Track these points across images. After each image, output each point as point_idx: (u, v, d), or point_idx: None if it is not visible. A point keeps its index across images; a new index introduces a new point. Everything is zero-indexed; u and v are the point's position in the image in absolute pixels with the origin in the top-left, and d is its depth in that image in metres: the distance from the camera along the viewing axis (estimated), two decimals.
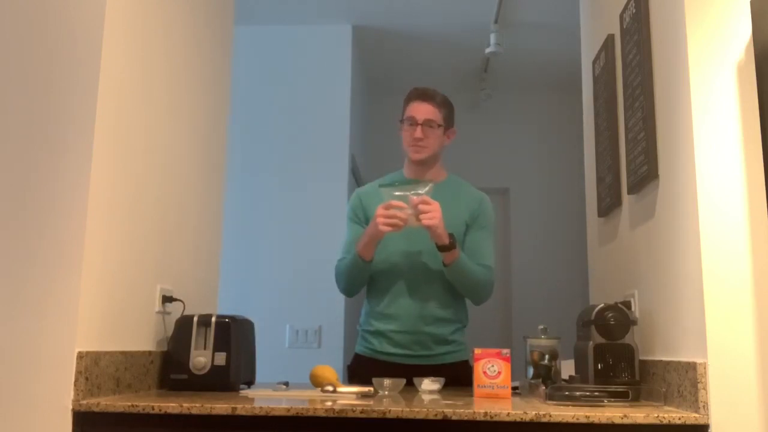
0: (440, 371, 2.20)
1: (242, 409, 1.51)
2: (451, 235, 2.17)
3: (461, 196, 2.40)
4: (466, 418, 1.48)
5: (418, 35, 4.29)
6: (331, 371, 2.03)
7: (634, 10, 1.99)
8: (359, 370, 2.37)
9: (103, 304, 1.69)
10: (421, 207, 2.10)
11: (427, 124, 2.35)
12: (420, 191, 2.13)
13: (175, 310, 2.06)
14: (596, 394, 1.68)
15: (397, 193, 2.15)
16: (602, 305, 1.85)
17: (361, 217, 2.41)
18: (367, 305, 2.42)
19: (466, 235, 2.34)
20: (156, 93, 1.99)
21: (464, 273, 2.24)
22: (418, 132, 2.33)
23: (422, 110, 2.36)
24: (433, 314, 2.30)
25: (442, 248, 2.17)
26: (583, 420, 1.46)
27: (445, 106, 2.41)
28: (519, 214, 5.10)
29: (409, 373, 2.16)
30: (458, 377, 2.22)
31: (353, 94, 4.23)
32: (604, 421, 1.46)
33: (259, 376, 2.18)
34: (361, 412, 1.50)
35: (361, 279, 2.35)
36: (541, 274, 4.97)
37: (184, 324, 1.94)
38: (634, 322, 1.84)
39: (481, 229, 2.35)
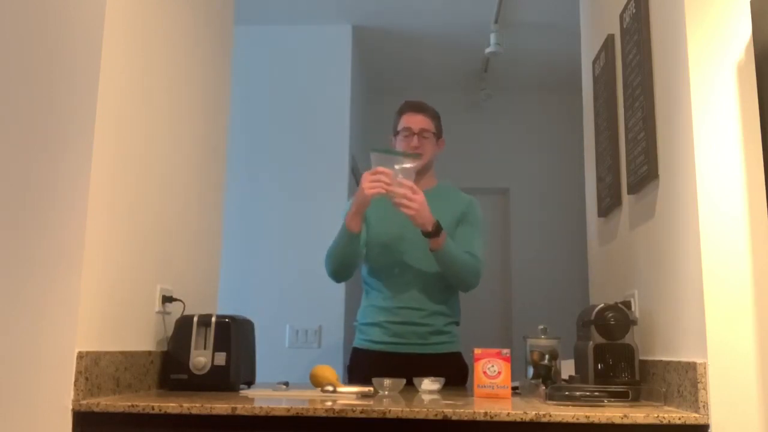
0: (434, 360, 2.36)
1: (242, 409, 1.51)
2: (436, 223, 2.23)
3: (451, 201, 2.49)
4: (466, 418, 1.48)
5: (418, 35, 4.28)
6: (331, 371, 2.03)
7: (634, 10, 1.99)
8: (358, 362, 2.46)
9: (103, 304, 1.69)
10: (405, 193, 2.17)
11: (422, 133, 2.47)
12: (407, 164, 2.22)
13: (175, 310, 2.06)
14: (596, 394, 1.68)
15: (385, 156, 2.23)
16: (602, 305, 1.85)
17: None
18: (364, 300, 2.51)
19: (454, 233, 2.42)
20: (156, 93, 1.99)
21: (450, 259, 2.31)
22: (415, 141, 2.46)
23: (417, 121, 2.49)
24: (427, 308, 2.39)
25: (426, 234, 2.25)
26: (583, 420, 1.46)
27: (436, 118, 2.55)
28: (519, 214, 5.10)
29: (404, 361, 2.33)
30: (450, 367, 2.35)
31: (353, 94, 4.22)
32: (604, 421, 1.46)
33: (259, 376, 2.19)
34: (361, 412, 1.50)
35: (349, 256, 2.35)
36: (541, 274, 4.97)
37: (184, 324, 1.94)
38: (634, 322, 1.84)
39: (470, 225, 2.43)
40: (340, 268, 2.39)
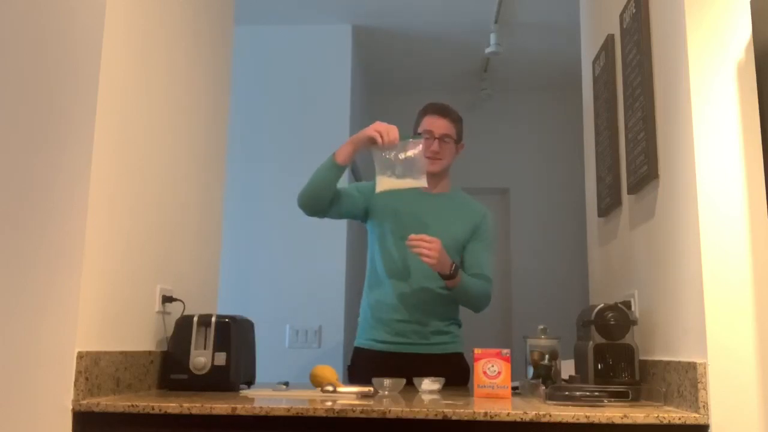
0: (435, 360, 2.36)
1: (242, 409, 1.51)
2: (452, 265, 2.23)
3: (465, 209, 2.48)
4: (466, 418, 1.48)
5: (418, 35, 4.28)
6: (331, 371, 2.03)
7: (634, 10, 1.99)
8: (360, 362, 2.46)
9: (103, 304, 1.69)
10: (420, 244, 2.16)
11: (443, 138, 2.44)
12: (409, 150, 2.17)
13: (175, 310, 2.06)
14: (596, 394, 1.68)
15: (386, 156, 2.18)
16: (602, 305, 1.85)
17: (365, 193, 2.46)
18: (367, 297, 2.50)
19: (466, 246, 2.42)
20: (156, 93, 1.99)
21: (466, 293, 2.33)
22: (435, 146, 2.42)
23: (439, 125, 2.45)
24: (430, 309, 2.39)
25: (444, 277, 2.25)
26: (583, 420, 1.46)
27: (459, 122, 2.50)
28: (519, 214, 5.10)
29: (405, 361, 2.33)
30: (452, 367, 2.35)
31: (353, 94, 4.22)
32: (604, 421, 1.46)
33: (259, 376, 2.19)
34: (361, 412, 1.50)
35: (322, 182, 2.29)
36: (541, 274, 4.97)
37: (184, 324, 1.94)
38: (634, 322, 1.84)
39: (482, 241, 2.42)
40: (310, 192, 2.31)
